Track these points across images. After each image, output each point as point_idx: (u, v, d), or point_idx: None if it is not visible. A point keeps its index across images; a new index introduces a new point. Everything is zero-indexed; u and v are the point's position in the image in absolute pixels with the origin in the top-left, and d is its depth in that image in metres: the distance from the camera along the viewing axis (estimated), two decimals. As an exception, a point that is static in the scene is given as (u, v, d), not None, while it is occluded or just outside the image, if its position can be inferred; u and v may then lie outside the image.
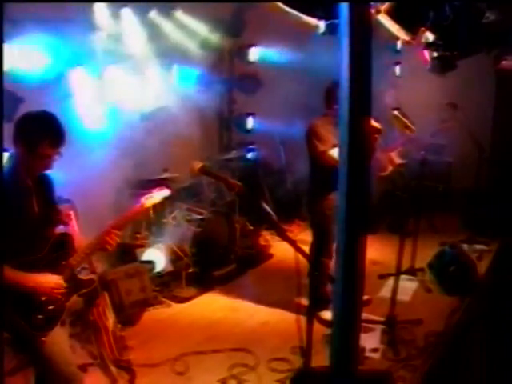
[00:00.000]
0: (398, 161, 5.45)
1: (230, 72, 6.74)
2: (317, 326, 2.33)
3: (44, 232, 2.51)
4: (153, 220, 5.06)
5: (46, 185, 2.57)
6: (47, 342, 2.41)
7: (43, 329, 2.40)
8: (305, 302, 2.22)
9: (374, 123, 3.90)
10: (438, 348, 3.78)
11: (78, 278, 2.60)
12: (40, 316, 2.40)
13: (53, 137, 2.38)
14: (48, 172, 2.54)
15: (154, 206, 4.91)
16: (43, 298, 2.40)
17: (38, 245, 2.45)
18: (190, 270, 4.96)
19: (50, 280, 2.42)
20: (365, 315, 3.94)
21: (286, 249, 2.28)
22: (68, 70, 4.32)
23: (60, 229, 2.69)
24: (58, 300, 2.46)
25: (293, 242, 2.23)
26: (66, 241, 2.57)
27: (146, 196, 2.75)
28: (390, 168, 5.41)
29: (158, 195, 2.78)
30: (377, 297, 4.62)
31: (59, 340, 2.51)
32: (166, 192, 2.81)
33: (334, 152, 3.76)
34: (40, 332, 2.39)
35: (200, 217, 5.30)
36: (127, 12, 4.86)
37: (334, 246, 3.76)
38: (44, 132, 2.37)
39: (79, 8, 4.30)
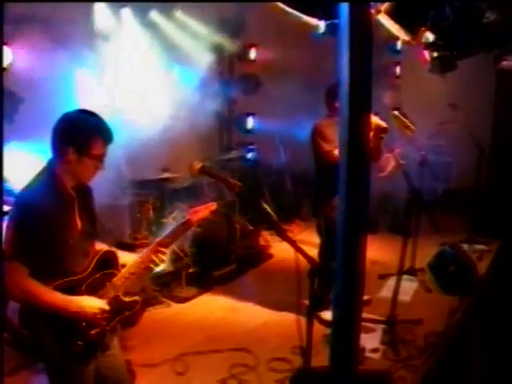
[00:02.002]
0: (398, 162, 5.46)
1: (230, 72, 6.75)
2: (317, 326, 2.33)
3: (86, 249, 2.31)
4: (153, 220, 5.06)
5: (86, 195, 2.37)
6: (86, 370, 2.25)
7: (83, 357, 2.22)
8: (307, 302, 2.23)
9: (380, 122, 3.90)
10: (438, 348, 3.78)
11: (122, 300, 2.38)
12: (80, 342, 2.20)
13: (105, 134, 2.23)
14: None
15: (154, 206, 4.99)
16: (84, 324, 2.21)
17: (81, 264, 2.26)
18: (190, 270, 4.96)
19: (94, 304, 2.22)
20: (365, 315, 3.95)
21: (286, 249, 2.28)
22: (68, 70, 4.32)
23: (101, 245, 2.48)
24: (100, 325, 2.27)
25: (293, 242, 2.22)
26: (111, 259, 2.37)
27: (193, 211, 2.58)
28: (389, 169, 5.41)
29: (205, 209, 2.59)
30: (377, 297, 4.62)
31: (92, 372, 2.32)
32: (212, 206, 2.63)
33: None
34: (80, 360, 2.21)
35: (200, 217, 5.30)
36: (127, 12, 4.87)
37: None
38: (96, 130, 2.20)
39: (80, 8, 4.31)
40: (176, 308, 4.59)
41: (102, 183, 4.55)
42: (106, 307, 2.26)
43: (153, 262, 2.40)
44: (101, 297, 2.29)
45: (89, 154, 2.18)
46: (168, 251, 2.46)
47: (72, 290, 2.19)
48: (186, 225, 2.52)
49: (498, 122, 7.28)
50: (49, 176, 2.20)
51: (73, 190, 2.26)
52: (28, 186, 2.19)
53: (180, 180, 5.40)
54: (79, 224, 2.27)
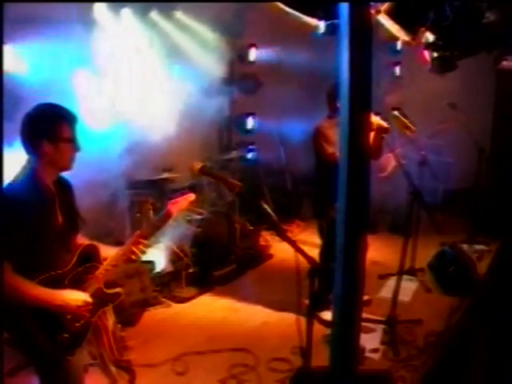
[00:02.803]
0: (399, 161, 5.46)
1: (230, 72, 6.74)
2: (317, 326, 2.33)
3: (68, 243, 2.39)
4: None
5: (66, 190, 2.44)
6: (72, 361, 2.32)
7: (69, 348, 2.30)
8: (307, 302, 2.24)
9: (381, 122, 3.91)
10: (438, 348, 3.78)
11: (104, 292, 2.47)
12: (66, 335, 2.28)
13: (69, 117, 2.31)
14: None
15: (154, 207, 4.98)
16: (69, 316, 2.29)
17: (64, 258, 2.33)
18: (190, 270, 4.96)
19: (77, 297, 2.30)
20: (365, 315, 3.94)
21: (286, 249, 2.28)
22: (69, 70, 4.32)
23: (82, 239, 2.54)
24: (84, 317, 2.35)
25: (293, 242, 2.22)
26: (92, 253, 2.44)
27: (172, 202, 2.64)
28: (390, 169, 5.40)
29: (184, 201, 2.66)
30: (377, 297, 4.62)
31: (80, 358, 2.43)
32: (191, 196, 2.70)
33: None
34: (66, 351, 2.29)
35: (200, 217, 5.30)
36: (127, 13, 4.87)
37: None
38: (59, 116, 2.29)
39: (80, 8, 4.31)
40: (176, 308, 4.59)
41: (102, 183, 4.57)
42: (89, 299, 2.34)
43: (134, 253, 2.46)
44: (84, 290, 2.36)
45: (61, 139, 2.26)
46: (148, 242, 2.53)
47: (55, 283, 2.25)
48: (165, 216, 2.59)
49: (498, 122, 7.28)
50: (28, 174, 2.27)
51: (53, 186, 2.33)
52: (9, 185, 2.24)
53: (180, 180, 5.40)
54: (60, 219, 2.33)
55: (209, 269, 5.10)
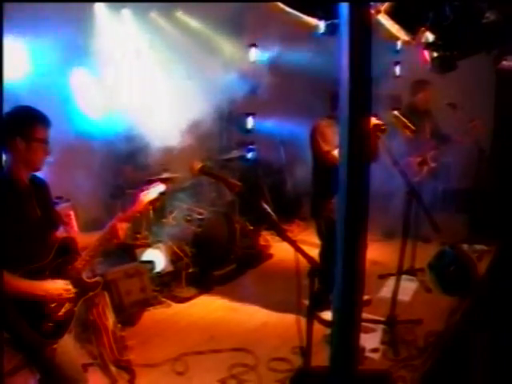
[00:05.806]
0: (432, 164, 5.49)
1: (231, 72, 6.73)
2: (317, 326, 2.33)
3: (47, 237, 2.49)
4: (153, 220, 5.06)
5: (42, 187, 2.56)
6: (58, 350, 2.41)
7: (54, 336, 2.41)
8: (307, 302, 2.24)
9: (376, 121, 3.89)
10: (438, 348, 3.78)
11: (84, 282, 2.59)
12: (50, 324, 2.39)
13: (43, 120, 2.44)
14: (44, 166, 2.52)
15: (154, 206, 4.98)
16: (52, 305, 2.40)
17: (43, 251, 2.44)
18: (190, 270, 4.97)
19: (58, 286, 2.41)
20: (365, 315, 3.94)
21: (286, 249, 2.28)
22: (69, 70, 4.33)
23: (61, 232, 2.67)
24: (67, 306, 2.46)
25: (293, 242, 2.23)
26: (70, 245, 2.56)
27: (144, 193, 2.79)
28: (424, 172, 5.39)
29: (153, 191, 2.83)
30: (377, 297, 4.62)
31: (68, 347, 2.51)
32: (161, 187, 2.87)
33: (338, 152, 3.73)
34: (51, 340, 2.39)
35: (200, 217, 5.31)
36: (127, 13, 4.87)
37: None
38: (34, 118, 2.42)
39: (80, 8, 4.31)
40: (176, 308, 4.60)
41: (102, 183, 4.57)
42: (70, 286, 2.45)
43: (109, 242, 2.64)
44: (64, 280, 2.47)
45: (34, 139, 2.38)
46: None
47: (36, 275, 2.36)
48: (136, 205, 2.76)
49: (498, 122, 7.27)
50: (4, 171, 2.38)
51: (28, 182, 2.45)
52: None
53: (180, 180, 5.40)
54: (38, 213, 2.44)
55: (209, 269, 5.10)
